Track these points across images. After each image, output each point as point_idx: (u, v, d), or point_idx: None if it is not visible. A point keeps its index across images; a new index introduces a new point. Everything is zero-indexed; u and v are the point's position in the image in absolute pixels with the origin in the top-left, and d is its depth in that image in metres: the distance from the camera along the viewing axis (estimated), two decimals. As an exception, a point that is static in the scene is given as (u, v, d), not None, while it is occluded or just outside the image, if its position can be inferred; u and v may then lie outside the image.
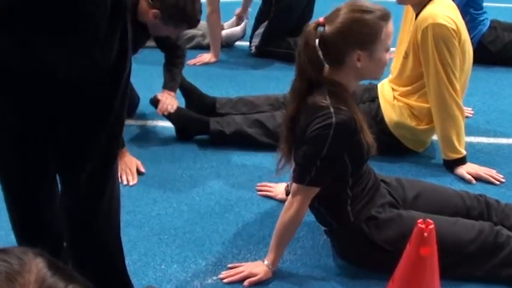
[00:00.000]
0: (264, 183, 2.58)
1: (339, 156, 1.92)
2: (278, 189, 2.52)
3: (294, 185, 1.98)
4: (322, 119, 1.86)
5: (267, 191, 2.54)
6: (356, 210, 2.04)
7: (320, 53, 1.87)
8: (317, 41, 1.86)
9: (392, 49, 2.17)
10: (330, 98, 1.87)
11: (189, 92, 3.09)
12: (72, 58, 1.38)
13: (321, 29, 1.88)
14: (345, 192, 2.01)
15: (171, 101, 2.91)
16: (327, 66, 1.91)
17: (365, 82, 2.70)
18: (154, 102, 2.94)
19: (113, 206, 1.66)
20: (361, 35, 1.87)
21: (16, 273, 0.74)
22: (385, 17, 1.90)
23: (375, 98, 2.86)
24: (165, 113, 2.90)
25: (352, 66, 1.90)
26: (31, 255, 0.77)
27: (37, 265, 0.76)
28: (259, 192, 2.56)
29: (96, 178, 1.58)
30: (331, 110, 1.85)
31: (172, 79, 2.97)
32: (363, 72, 1.94)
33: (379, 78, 2.09)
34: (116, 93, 1.48)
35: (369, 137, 1.92)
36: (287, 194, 2.37)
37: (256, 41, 4.14)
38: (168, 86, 2.98)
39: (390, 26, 1.91)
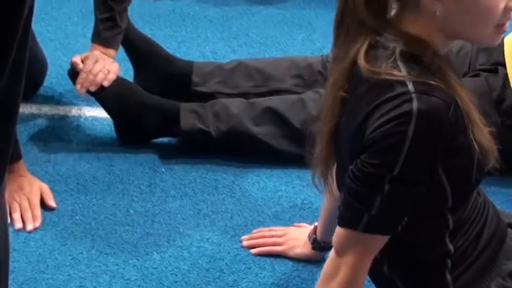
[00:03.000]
0: (261, 230, 2.60)
1: (426, 175, 1.85)
2: (291, 237, 2.55)
3: (340, 232, 1.91)
4: (393, 105, 1.80)
5: (268, 243, 2.57)
6: (461, 284, 1.97)
7: None
8: None
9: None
10: (405, 66, 1.83)
11: (142, 53, 3.04)
12: None
13: None
14: (440, 244, 1.96)
15: (107, 66, 2.85)
16: (393, 10, 1.86)
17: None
18: (72, 70, 2.88)
19: None
20: None
21: None
22: None
23: (497, 66, 2.82)
24: (92, 89, 2.83)
25: (428, 11, 1.86)
26: None
27: None
28: (253, 250, 2.55)
29: None
30: (410, 87, 1.79)
31: (112, 24, 2.92)
32: (447, 26, 1.88)
33: (489, 44, 2.00)
34: (7, 55, 1.54)
35: (484, 136, 1.86)
36: (315, 245, 2.45)
37: None
38: (101, 36, 2.90)
39: None
